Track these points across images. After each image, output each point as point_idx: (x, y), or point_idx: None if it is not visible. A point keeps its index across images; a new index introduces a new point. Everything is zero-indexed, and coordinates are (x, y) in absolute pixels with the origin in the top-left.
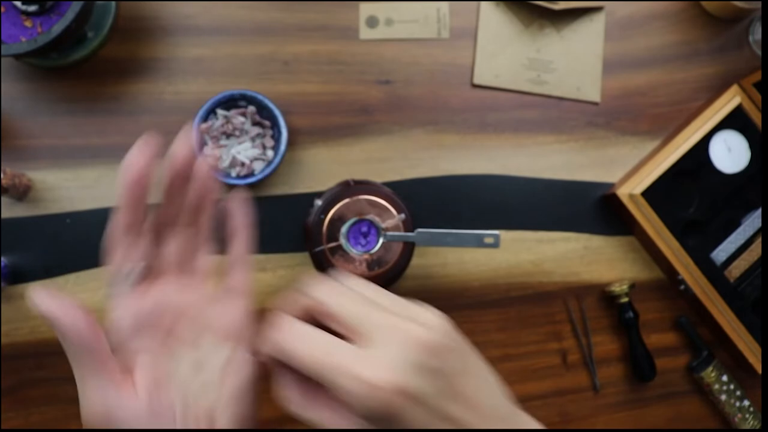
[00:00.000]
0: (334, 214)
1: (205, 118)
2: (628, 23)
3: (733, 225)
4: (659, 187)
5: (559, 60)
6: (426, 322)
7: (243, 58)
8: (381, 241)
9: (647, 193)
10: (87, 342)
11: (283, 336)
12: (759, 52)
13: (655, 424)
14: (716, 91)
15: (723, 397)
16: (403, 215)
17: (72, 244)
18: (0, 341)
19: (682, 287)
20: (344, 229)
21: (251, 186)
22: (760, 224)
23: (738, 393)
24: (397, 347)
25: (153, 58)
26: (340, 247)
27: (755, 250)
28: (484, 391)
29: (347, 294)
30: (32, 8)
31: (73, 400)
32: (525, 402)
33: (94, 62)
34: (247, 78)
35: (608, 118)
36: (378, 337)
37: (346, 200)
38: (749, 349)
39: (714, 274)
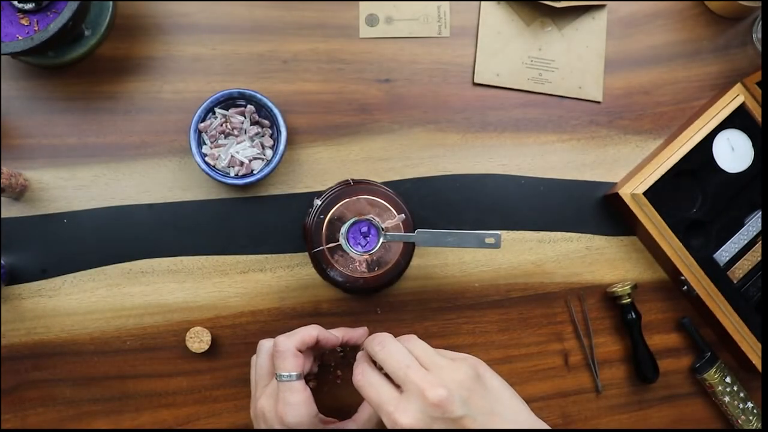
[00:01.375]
0: (333, 214)
1: (204, 117)
2: (630, 21)
3: (737, 225)
4: (662, 186)
5: (560, 58)
6: (446, 383)
7: (241, 57)
8: (381, 241)
9: (650, 193)
10: None
11: (357, 377)
12: None
13: (657, 425)
14: (720, 89)
15: (726, 398)
16: (403, 215)
17: (69, 244)
18: None
19: (685, 288)
20: (344, 229)
21: (250, 185)
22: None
23: (741, 395)
24: (418, 402)
25: (150, 57)
26: (339, 247)
27: (759, 251)
28: (502, 422)
29: (394, 352)
30: (29, 6)
31: (70, 401)
32: (527, 403)
33: (91, 61)
34: (245, 77)
35: (610, 117)
36: (408, 390)
37: (346, 200)
38: (753, 350)
39: (717, 274)
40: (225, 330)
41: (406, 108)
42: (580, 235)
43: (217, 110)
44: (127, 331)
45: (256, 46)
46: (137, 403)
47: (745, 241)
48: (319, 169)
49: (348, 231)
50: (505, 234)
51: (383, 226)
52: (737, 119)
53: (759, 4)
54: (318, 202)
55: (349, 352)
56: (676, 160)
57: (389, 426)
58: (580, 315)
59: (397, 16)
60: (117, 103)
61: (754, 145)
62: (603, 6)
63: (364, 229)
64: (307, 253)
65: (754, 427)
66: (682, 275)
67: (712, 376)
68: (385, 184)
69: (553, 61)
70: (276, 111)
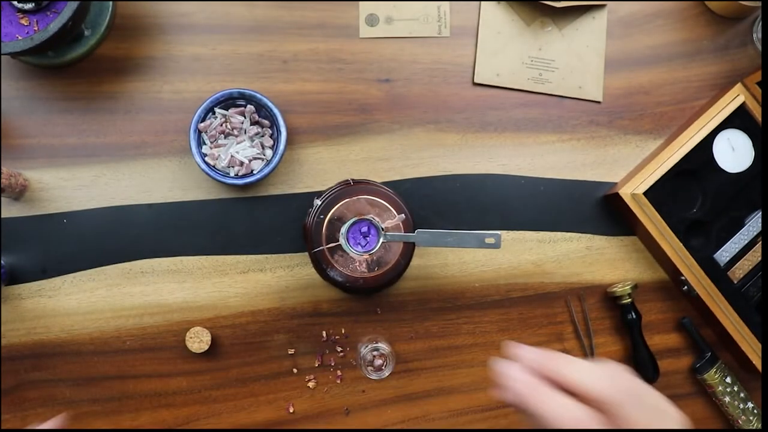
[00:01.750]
0: (333, 214)
1: (204, 117)
2: (630, 21)
3: (737, 225)
4: (662, 186)
5: (560, 58)
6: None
7: (241, 57)
8: (381, 241)
9: (650, 193)
10: None
11: (552, 412)
12: None
13: None
14: (720, 89)
15: (726, 398)
16: (403, 215)
17: (69, 244)
18: None
19: (685, 288)
20: (344, 229)
21: (250, 185)
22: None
23: (742, 395)
24: None
25: (150, 57)
26: (339, 247)
27: (759, 251)
28: None
29: (598, 380)
30: (29, 6)
31: (70, 401)
32: None
33: (91, 61)
34: (245, 77)
35: (610, 117)
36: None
37: (346, 200)
38: (753, 350)
39: (717, 274)
40: (225, 330)
41: (406, 108)
42: (580, 235)
43: (217, 110)
44: (127, 331)
45: (256, 46)
46: (137, 403)
47: (746, 241)
48: (319, 169)
49: (348, 231)
50: (505, 234)
51: (383, 226)
52: (737, 119)
53: (759, 4)
54: (318, 202)
55: (349, 352)
56: (676, 160)
57: None
58: (580, 315)
59: (397, 16)
60: (117, 103)
61: (754, 145)
62: (603, 6)
63: (364, 229)
64: (307, 253)
65: (754, 427)
66: (683, 275)
67: (712, 376)
68: (385, 184)
69: (553, 61)
70: (276, 111)
